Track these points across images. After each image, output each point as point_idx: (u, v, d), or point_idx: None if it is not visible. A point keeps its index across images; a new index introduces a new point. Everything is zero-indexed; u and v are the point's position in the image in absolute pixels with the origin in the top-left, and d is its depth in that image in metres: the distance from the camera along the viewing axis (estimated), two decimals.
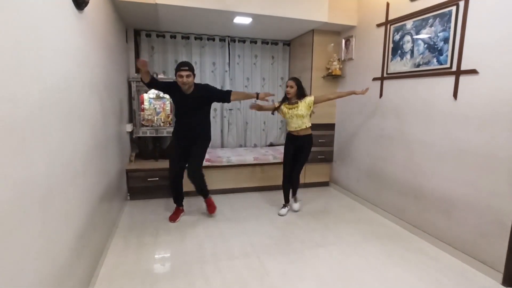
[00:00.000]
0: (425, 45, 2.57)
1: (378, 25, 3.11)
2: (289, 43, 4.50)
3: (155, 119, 3.92)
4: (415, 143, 2.69)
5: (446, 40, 2.37)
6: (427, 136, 2.58)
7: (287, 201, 3.23)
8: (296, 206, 3.27)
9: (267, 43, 4.42)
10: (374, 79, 3.20)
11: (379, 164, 3.17)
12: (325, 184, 4.18)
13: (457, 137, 2.31)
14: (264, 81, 4.51)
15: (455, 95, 2.32)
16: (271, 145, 4.66)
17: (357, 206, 3.44)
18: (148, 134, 3.81)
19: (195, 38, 4.12)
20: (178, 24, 3.66)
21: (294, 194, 3.30)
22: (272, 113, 3.19)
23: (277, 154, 3.93)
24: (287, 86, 2.96)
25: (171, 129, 3.81)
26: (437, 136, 2.48)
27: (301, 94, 2.99)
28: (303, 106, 2.97)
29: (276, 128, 4.68)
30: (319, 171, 4.08)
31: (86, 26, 1.94)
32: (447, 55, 2.37)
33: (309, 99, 2.99)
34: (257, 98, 2.86)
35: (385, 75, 3.04)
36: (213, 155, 3.80)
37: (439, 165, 2.47)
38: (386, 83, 3.05)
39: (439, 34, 2.43)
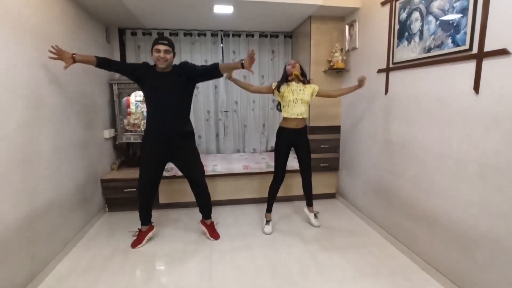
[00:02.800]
0: (437, 22, 1.92)
1: (383, 3, 2.48)
2: (291, 34, 3.96)
3: (142, 123, 3.65)
4: (428, 152, 2.04)
5: (464, 12, 1.72)
6: (442, 144, 1.92)
7: (270, 210, 2.77)
8: (315, 221, 2.80)
9: (266, 36, 3.92)
10: (379, 71, 2.57)
11: (387, 177, 2.53)
12: (330, 196, 3.58)
13: (481, 146, 1.65)
14: (263, 79, 4.02)
15: (476, 87, 1.66)
16: (272, 150, 4.16)
17: (361, 226, 2.82)
18: (132, 140, 3.54)
19: (185, 34, 3.76)
20: (158, 19, 3.32)
21: (309, 203, 2.84)
22: (277, 108, 2.70)
23: (273, 161, 3.43)
24: (288, 65, 2.55)
25: None
26: (455, 145, 1.82)
27: (304, 76, 2.60)
28: (308, 90, 2.56)
29: None
30: (323, 181, 3.49)
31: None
32: (465, 32, 1.71)
33: (315, 87, 2.61)
34: (243, 67, 2.14)
35: (390, 65, 2.41)
36: None
37: (457, 183, 1.81)
38: (392, 75, 2.41)
39: (455, 5, 1.78)
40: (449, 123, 1.85)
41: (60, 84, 2.34)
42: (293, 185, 3.36)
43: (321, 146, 3.35)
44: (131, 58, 3.72)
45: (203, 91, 3.87)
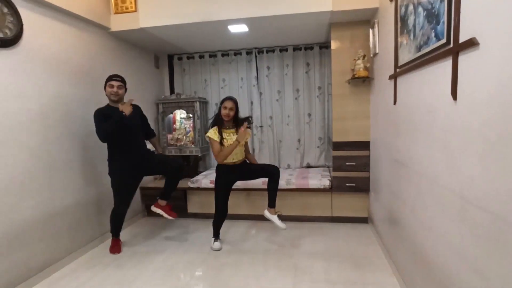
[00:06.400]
0: (424, 12, 1.55)
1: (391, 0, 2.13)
2: (327, 45, 3.73)
3: (184, 138, 4.03)
4: (421, 175, 1.63)
5: None
6: (429, 165, 1.51)
7: (217, 235, 2.75)
8: (280, 223, 2.54)
9: (300, 49, 3.82)
10: (390, 77, 2.19)
11: (395, 203, 2.10)
12: (362, 220, 3.13)
13: (461, 171, 1.22)
14: (298, 93, 3.90)
15: (453, 92, 1.26)
16: (309, 166, 3.94)
17: (374, 260, 2.37)
18: (173, 153, 3.93)
19: (222, 55, 4.03)
20: (197, 44, 3.69)
21: (271, 204, 2.60)
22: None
23: (297, 179, 3.26)
24: (225, 108, 2.50)
25: (194, 148, 3.80)
26: (441, 167, 1.40)
27: (236, 118, 2.58)
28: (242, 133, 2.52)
29: (314, 147, 3.92)
30: (351, 203, 3.10)
31: (20, 63, 2.15)
32: (443, 22, 1.33)
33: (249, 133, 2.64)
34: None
35: (397, 69, 2.03)
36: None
37: (441, 218, 1.38)
38: (399, 81, 2.03)
39: None
40: (435, 139, 1.44)
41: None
42: (289, 204, 3.18)
43: (347, 163, 3.00)
44: (177, 80, 4.20)
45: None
